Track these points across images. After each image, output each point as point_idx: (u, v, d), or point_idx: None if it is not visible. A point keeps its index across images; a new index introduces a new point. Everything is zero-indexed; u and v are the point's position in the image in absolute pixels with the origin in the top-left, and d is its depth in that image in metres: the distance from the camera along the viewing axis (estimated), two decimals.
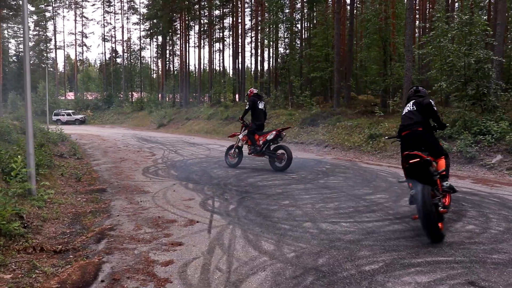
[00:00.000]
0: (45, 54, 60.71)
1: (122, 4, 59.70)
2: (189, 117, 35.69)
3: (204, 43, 49.06)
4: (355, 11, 27.77)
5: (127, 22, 64.04)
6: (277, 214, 5.89)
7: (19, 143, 9.28)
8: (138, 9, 60.12)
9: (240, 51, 42.70)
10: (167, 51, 54.30)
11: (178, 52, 52.62)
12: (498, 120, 11.11)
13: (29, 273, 3.78)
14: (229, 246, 4.52)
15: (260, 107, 10.67)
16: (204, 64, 54.09)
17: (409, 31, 16.28)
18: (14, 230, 4.58)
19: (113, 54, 60.83)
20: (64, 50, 70.93)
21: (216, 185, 8.25)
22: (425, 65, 21.33)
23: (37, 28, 58.49)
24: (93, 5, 62.73)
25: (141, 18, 58.69)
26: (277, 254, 4.24)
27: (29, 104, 6.68)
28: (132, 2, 59.63)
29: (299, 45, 35.16)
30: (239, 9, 43.09)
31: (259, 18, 40.36)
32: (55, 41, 60.35)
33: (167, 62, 55.75)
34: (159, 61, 60.69)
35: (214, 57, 53.60)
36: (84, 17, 61.57)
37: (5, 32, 56.78)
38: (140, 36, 67.23)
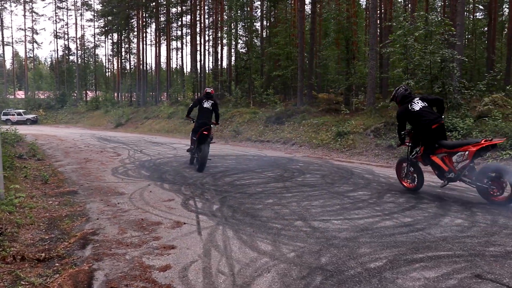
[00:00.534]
0: None
1: (75, 0, 57.50)
2: (148, 116, 34.94)
3: (161, 41, 48.03)
4: (317, 9, 27.96)
5: (81, 19, 61.54)
6: (264, 213, 5.76)
7: None
8: (92, 6, 58.10)
9: (199, 49, 42.25)
10: (123, 49, 52.89)
11: (134, 51, 51.35)
12: (463, 117, 11.51)
13: (14, 285, 3.46)
14: (224, 247, 4.34)
15: (205, 106, 10.43)
16: (162, 62, 53.06)
17: (373, 30, 16.62)
18: None
19: (66, 52, 58.45)
20: (12, 46, 67.18)
21: (193, 185, 8.01)
22: (386, 63, 21.86)
23: None
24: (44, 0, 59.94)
25: (96, 14, 56.78)
26: (277, 254, 4.11)
27: None
28: None
29: (259, 44, 35.17)
30: (198, 7, 42.59)
31: (219, 17, 40.02)
32: (2, 37, 57.21)
33: (123, 60, 54.33)
34: (114, 59, 59.02)
35: (172, 55, 52.70)
36: (34, 12, 58.62)
37: None
38: (94, 33, 64.87)
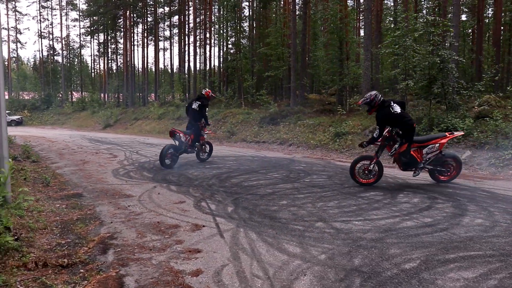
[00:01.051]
0: None
1: None
2: (137, 117, 34.54)
3: (149, 41, 47.60)
4: (308, 10, 27.98)
5: (66, 19, 60.22)
6: (282, 214, 5.68)
7: None
8: (78, 5, 57.23)
9: (187, 49, 41.97)
10: (109, 50, 52.23)
11: (121, 51, 50.69)
12: (463, 117, 11.60)
13: None
14: (252, 250, 4.25)
15: (193, 106, 11.00)
16: (150, 63, 52.58)
17: (367, 31, 16.67)
18: (7, 244, 4.05)
19: (51, 52, 57.43)
20: None
21: (200, 187, 7.89)
22: (377, 64, 21.97)
23: None
24: None
25: (81, 14, 55.92)
26: (307, 257, 4.03)
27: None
28: None
29: (249, 44, 35.07)
30: (186, 7, 42.34)
31: (207, 17, 39.80)
32: None
33: (110, 61, 53.66)
34: (100, 59, 58.24)
35: (159, 56, 52.29)
36: (18, 11, 57.53)
37: None
38: (80, 33, 63.93)
